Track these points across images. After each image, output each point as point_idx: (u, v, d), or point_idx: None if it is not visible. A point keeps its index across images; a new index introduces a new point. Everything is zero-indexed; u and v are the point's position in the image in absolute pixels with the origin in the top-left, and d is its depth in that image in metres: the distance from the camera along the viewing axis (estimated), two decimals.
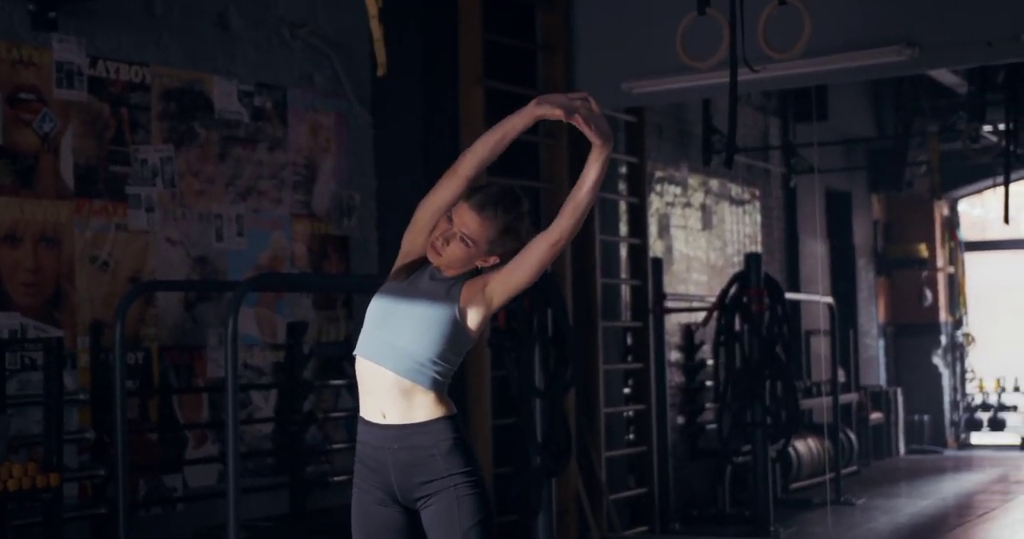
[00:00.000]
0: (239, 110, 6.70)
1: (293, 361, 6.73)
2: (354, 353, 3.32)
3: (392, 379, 3.24)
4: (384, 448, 3.26)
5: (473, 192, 3.31)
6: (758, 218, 11.55)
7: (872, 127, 13.54)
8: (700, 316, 9.46)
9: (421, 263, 3.35)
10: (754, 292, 8.63)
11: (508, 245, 3.29)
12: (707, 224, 10.58)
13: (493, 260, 3.31)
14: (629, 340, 9.09)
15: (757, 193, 11.55)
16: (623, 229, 9.07)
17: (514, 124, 3.27)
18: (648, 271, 9.08)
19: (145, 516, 6.07)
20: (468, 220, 3.26)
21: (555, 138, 7.95)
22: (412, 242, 3.37)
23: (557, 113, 3.21)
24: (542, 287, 6.72)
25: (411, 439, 3.22)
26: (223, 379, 5.63)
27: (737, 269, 10.03)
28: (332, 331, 7.13)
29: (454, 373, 3.32)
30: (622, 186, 9.12)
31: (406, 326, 3.24)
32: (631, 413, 9.03)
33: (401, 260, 3.39)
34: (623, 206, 9.08)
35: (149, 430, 6.13)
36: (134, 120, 6.20)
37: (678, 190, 10.17)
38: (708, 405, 9.95)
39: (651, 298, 9.06)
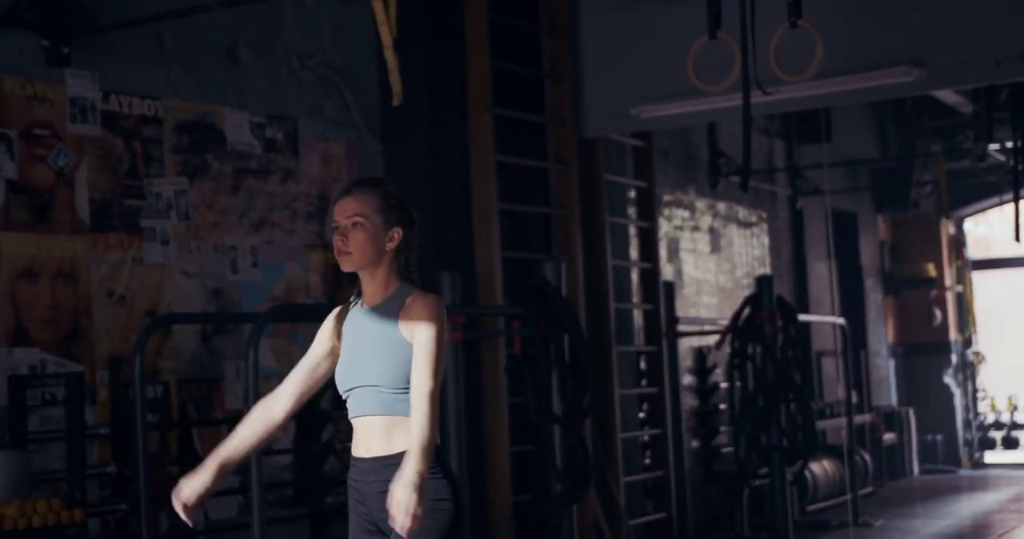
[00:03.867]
0: (251, 142, 6.72)
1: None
2: (350, 419, 3.38)
3: (379, 421, 3.31)
4: (365, 482, 3.32)
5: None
6: (766, 240, 11.56)
7: (876, 148, 13.56)
8: (711, 339, 9.45)
9: (338, 321, 3.43)
10: (767, 314, 8.62)
11: (395, 214, 3.34)
12: (716, 247, 10.58)
13: (397, 235, 3.33)
14: (643, 364, 9.07)
15: (764, 215, 11.56)
16: (634, 253, 9.07)
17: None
18: (660, 295, 9.07)
19: None
20: (346, 205, 3.33)
21: (565, 164, 7.96)
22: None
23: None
24: (557, 313, 6.71)
25: (386, 471, 3.23)
26: (242, 410, 5.61)
27: (747, 291, 10.02)
28: None
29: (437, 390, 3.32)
30: (632, 210, 9.12)
31: (370, 367, 3.30)
32: (647, 437, 9.00)
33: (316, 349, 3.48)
34: (633, 230, 9.08)
35: (169, 463, 6.11)
36: (148, 153, 6.21)
37: (686, 214, 10.17)
38: (723, 428, 9.92)
39: (664, 322, 9.05)
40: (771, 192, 11.72)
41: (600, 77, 7.92)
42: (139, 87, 6.21)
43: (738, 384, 8.83)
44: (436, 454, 3.24)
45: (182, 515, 3.33)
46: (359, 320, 3.38)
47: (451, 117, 7.44)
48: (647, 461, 8.99)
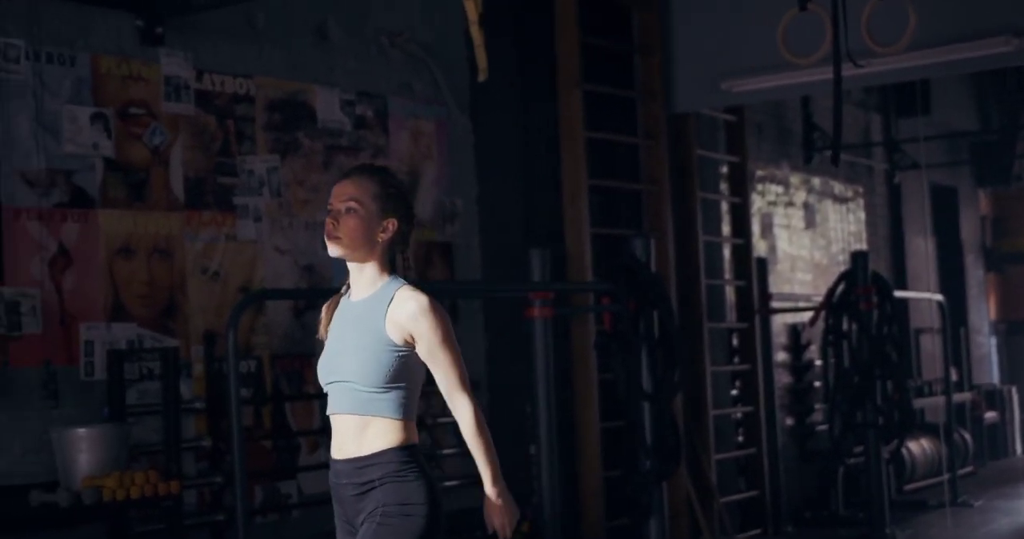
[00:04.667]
0: (342, 119, 6.77)
1: None
2: (328, 414, 3.30)
3: (354, 419, 3.20)
4: (340, 484, 3.25)
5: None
6: (862, 216, 11.38)
7: (976, 120, 13.27)
8: (806, 316, 9.34)
9: (328, 314, 3.33)
10: (862, 290, 8.49)
11: (392, 204, 3.23)
12: (810, 223, 10.45)
13: (391, 225, 3.22)
14: (735, 341, 9.00)
15: (860, 190, 11.38)
16: (726, 229, 8.99)
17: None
18: (752, 271, 8.98)
19: (262, 522, 6.14)
20: (343, 189, 3.24)
21: (655, 139, 7.91)
22: None
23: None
24: (646, 289, 6.68)
25: (359, 473, 3.18)
26: None
27: (842, 268, 9.88)
28: None
29: (414, 396, 3.24)
30: (723, 186, 9.04)
31: (347, 361, 3.19)
32: (739, 415, 8.94)
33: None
34: (725, 206, 9.00)
35: (263, 437, 6.20)
36: (240, 131, 6.29)
37: (780, 189, 10.05)
38: (817, 406, 9.81)
39: (756, 298, 8.97)
40: (868, 166, 11.53)
41: (690, 51, 7.84)
42: (231, 66, 6.29)
43: (832, 361, 8.72)
44: (412, 453, 3.18)
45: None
46: (345, 312, 3.28)
47: (540, 93, 7.42)
48: (740, 438, 8.93)
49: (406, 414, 3.19)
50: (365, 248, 3.21)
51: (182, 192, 6.01)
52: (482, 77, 5.27)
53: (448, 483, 6.97)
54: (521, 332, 6.65)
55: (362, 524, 3.18)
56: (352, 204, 3.20)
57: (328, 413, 3.26)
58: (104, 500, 5.04)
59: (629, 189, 7.88)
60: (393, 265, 3.25)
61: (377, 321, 3.17)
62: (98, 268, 5.67)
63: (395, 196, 3.25)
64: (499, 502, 3.18)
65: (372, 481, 3.15)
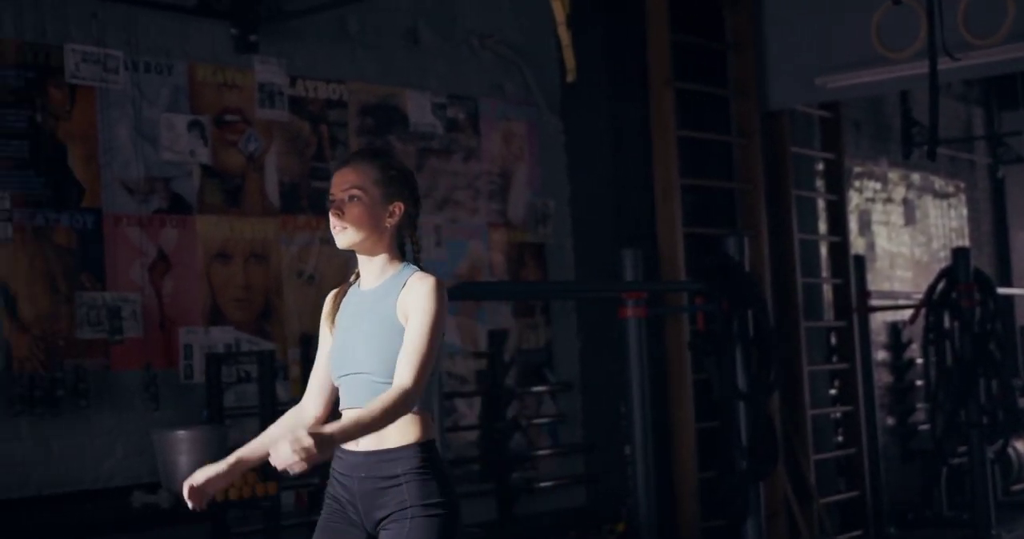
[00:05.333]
0: (433, 122, 6.82)
1: (495, 368, 6.79)
2: (340, 409, 3.13)
3: None
4: (352, 477, 3.06)
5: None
6: (964, 211, 11.16)
7: None
8: (907, 314, 9.18)
9: (334, 306, 3.20)
10: (963, 287, 8.33)
11: (396, 187, 3.08)
12: (910, 219, 10.27)
13: (398, 210, 3.08)
14: (833, 340, 8.88)
15: (962, 185, 11.16)
16: (822, 227, 8.87)
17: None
18: (850, 269, 8.85)
19: None
20: (343, 177, 3.08)
21: (748, 137, 7.83)
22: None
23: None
24: (740, 288, 6.62)
25: (378, 468, 3.02)
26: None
27: (943, 264, 9.70)
28: (532, 338, 7.18)
29: (431, 389, 3.07)
30: (819, 183, 8.92)
31: (362, 352, 3.05)
32: (838, 415, 8.81)
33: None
34: (821, 203, 8.88)
35: None
36: (333, 136, 6.37)
37: (878, 185, 9.90)
38: (919, 405, 9.64)
39: (854, 296, 8.84)
40: (969, 161, 11.30)
41: (783, 47, 7.75)
42: (324, 71, 6.37)
43: (934, 359, 8.57)
44: (432, 449, 3.03)
45: (186, 497, 3.13)
46: (355, 302, 3.13)
47: (631, 92, 7.39)
48: (839, 438, 8.81)
49: (425, 406, 3.04)
50: (374, 236, 3.07)
51: (277, 197, 6.10)
52: (570, 77, 5.27)
53: (543, 484, 6.99)
54: (614, 332, 6.63)
55: (381, 522, 3.01)
56: (355, 191, 3.04)
57: (342, 408, 3.09)
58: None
59: (722, 188, 7.82)
60: (403, 251, 3.12)
61: (390, 307, 3.03)
62: (196, 273, 5.77)
63: (398, 179, 3.09)
64: (310, 442, 2.75)
65: (396, 476, 3.00)
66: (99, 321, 5.40)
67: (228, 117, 5.97)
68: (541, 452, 7.07)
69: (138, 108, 5.66)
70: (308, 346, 6.01)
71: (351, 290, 3.18)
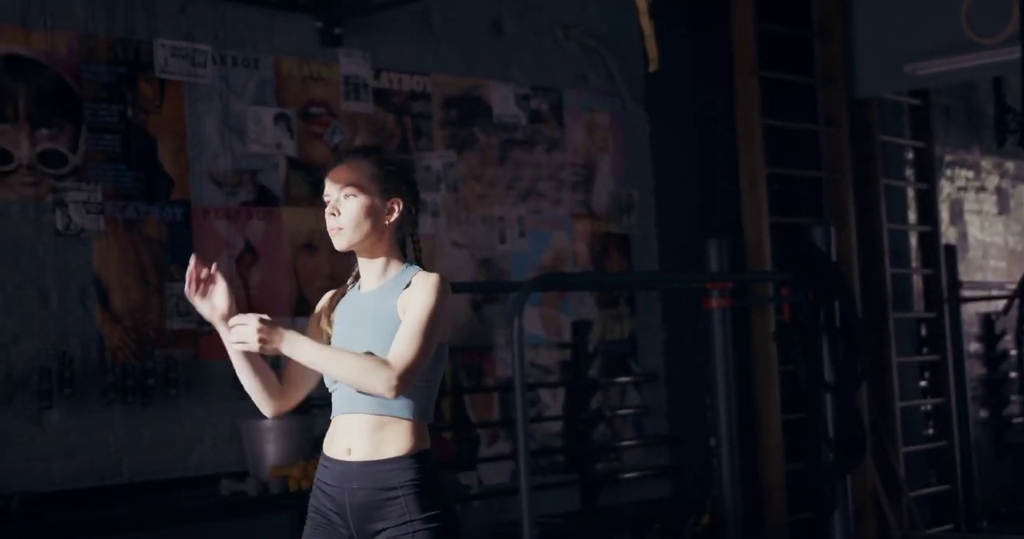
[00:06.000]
0: (517, 113, 6.82)
1: (579, 359, 6.79)
2: (331, 419, 2.96)
3: (367, 420, 2.87)
4: (342, 488, 2.88)
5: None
6: None
7: None
8: (1000, 304, 9.01)
9: (330, 306, 3.03)
10: None
11: (393, 183, 2.93)
12: (1004, 208, 10.07)
13: (396, 207, 2.93)
14: (923, 331, 8.74)
15: None
16: (912, 216, 8.74)
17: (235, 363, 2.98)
18: (941, 259, 8.71)
19: None
20: (338, 175, 2.94)
21: (836, 126, 7.74)
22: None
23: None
24: (827, 278, 6.54)
25: (373, 478, 2.84)
26: (511, 378, 5.74)
27: None
28: (616, 329, 7.16)
29: (432, 395, 2.92)
30: (909, 172, 8.79)
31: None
32: (929, 407, 8.68)
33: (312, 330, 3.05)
34: (911, 193, 8.75)
35: (443, 429, 6.31)
36: (417, 128, 6.40)
37: (970, 173, 9.72)
38: (1013, 397, 9.46)
39: (945, 287, 8.69)
40: None
41: (872, 34, 7.64)
42: (408, 63, 6.40)
43: None
44: (428, 459, 2.88)
45: (191, 269, 2.95)
46: (354, 305, 2.97)
47: (716, 81, 7.34)
48: (930, 431, 8.68)
49: (423, 415, 2.89)
50: (373, 235, 2.92)
51: None
52: (653, 67, 5.25)
53: (627, 475, 6.98)
54: (699, 323, 6.59)
55: (376, 536, 2.86)
56: (350, 190, 2.91)
57: (335, 415, 2.93)
58: (290, 489, 5.20)
59: (809, 177, 7.73)
60: (404, 251, 2.98)
61: (391, 309, 2.88)
62: (282, 264, 5.85)
63: (395, 174, 2.95)
64: (278, 331, 2.78)
65: (393, 488, 2.83)
66: (188, 312, 5.48)
67: (314, 110, 6.03)
68: (625, 443, 7.06)
69: (225, 102, 5.74)
70: None
71: (350, 293, 3.02)
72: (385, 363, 2.77)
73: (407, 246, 2.99)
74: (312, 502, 2.96)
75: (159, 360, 5.40)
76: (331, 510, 2.91)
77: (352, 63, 6.19)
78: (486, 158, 6.67)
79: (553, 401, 6.83)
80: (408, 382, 2.78)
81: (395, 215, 2.94)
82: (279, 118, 5.89)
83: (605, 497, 6.83)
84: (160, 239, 5.49)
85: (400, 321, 2.85)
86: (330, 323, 3.00)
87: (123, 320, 5.37)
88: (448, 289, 2.87)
